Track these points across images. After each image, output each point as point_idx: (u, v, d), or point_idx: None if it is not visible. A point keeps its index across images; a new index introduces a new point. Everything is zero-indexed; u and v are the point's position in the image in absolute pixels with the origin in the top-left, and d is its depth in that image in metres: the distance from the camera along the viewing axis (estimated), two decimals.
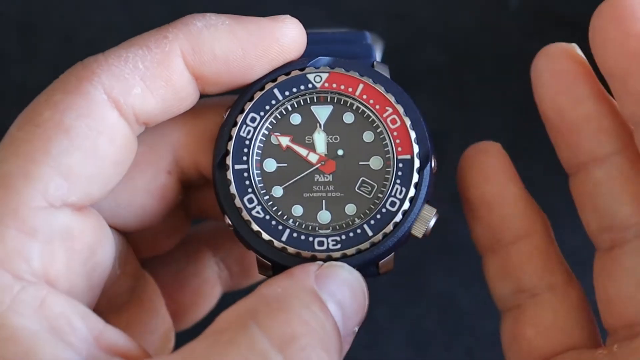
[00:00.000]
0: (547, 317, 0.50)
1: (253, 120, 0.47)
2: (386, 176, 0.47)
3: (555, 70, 0.49)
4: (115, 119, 0.44)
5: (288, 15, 0.47)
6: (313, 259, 0.46)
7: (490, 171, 0.51)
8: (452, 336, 0.59)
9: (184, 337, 0.51)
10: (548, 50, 0.49)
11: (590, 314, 0.51)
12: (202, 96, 0.48)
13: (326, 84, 0.47)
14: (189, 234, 0.54)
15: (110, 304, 0.48)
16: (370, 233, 0.46)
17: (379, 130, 0.47)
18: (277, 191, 0.47)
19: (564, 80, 0.49)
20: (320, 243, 0.46)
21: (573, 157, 0.49)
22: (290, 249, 0.46)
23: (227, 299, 0.55)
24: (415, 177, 0.46)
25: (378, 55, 0.52)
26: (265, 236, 0.46)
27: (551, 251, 0.51)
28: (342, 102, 0.47)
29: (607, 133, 0.48)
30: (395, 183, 0.46)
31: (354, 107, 0.47)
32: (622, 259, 0.48)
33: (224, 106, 0.48)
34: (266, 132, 0.47)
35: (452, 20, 0.60)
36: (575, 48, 0.49)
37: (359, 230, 0.46)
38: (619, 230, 0.48)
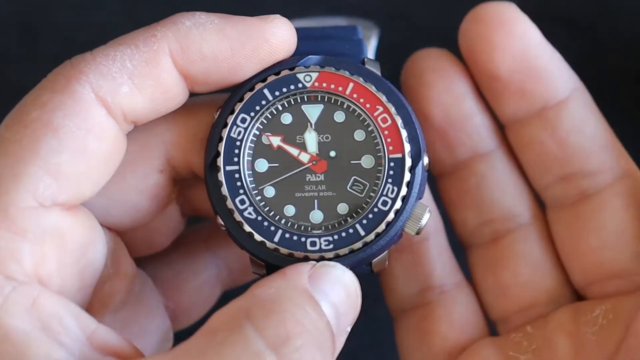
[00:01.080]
0: (458, 311, 0.53)
1: (243, 120, 0.47)
2: (378, 175, 0.47)
3: (437, 69, 0.52)
4: (103, 118, 0.44)
5: (278, 15, 0.47)
6: (306, 259, 0.46)
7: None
8: None
9: (183, 337, 0.51)
10: (424, 52, 0.53)
11: (482, 310, 0.54)
12: (194, 94, 0.48)
13: (316, 84, 0.47)
14: (188, 234, 0.54)
15: (104, 303, 0.48)
16: (362, 233, 0.46)
17: (370, 128, 0.47)
18: (269, 191, 0.47)
19: (447, 78, 0.52)
20: (313, 243, 0.46)
21: (450, 156, 0.53)
22: (283, 250, 0.46)
23: (227, 298, 0.55)
24: (407, 176, 0.46)
25: (372, 47, 0.52)
26: (258, 237, 0.46)
27: (450, 250, 0.54)
28: (332, 101, 0.47)
29: (488, 129, 0.53)
30: (387, 182, 0.46)
31: (345, 106, 0.47)
32: (513, 246, 0.52)
33: (215, 105, 0.48)
34: (257, 133, 0.47)
35: (452, 20, 0.60)
36: (447, 52, 0.53)
37: (351, 230, 0.46)
38: (502, 221, 0.52)
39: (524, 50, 0.51)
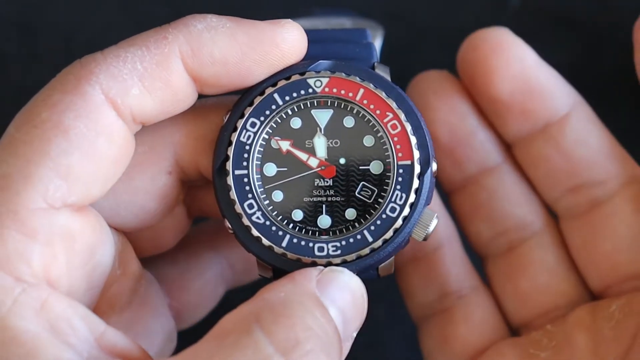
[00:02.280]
0: (477, 313, 0.54)
1: (253, 125, 0.47)
2: (386, 181, 0.47)
3: (439, 91, 0.54)
4: (113, 119, 0.44)
5: (289, 20, 0.47)
6: (313, 264, 0.46)
7: None
8: None
9: (186, 336, 0.51)
10: (425, 75, 0.55)
11: (501, 312, 0.55)
12: (203, 96, 0.48)
13: (326, 89, 0.47)
14: (192, 234, 0.54)
15: (111, 303, 0.48)
16: (370, 239, 0.46)
17: (379, 134, 0.47)
18: (278, 196, 0.47)
19: (449, 99, 0.54)
20: (321, 249, 0.46)
21: (459, 172, 0.55)
22: (290, 255, 0.46)
23: (231, 298, 0.55)
24: (416, 183, 0.46)
25: (377, 47, 0.52)
26: (266, 242, 0.46)
27: (465, 256, 0.56)
28: (342, 106, 0.47)
29: (493, 144, 0.54)
30: (395, 189, 0.46)
31: (355, 111, 0.47)
32: (529, 254, 0.54)
33: (225, 107, 0.48)
34: (266, 137, 0.47)
35: (452, 20, 0.60)
36: (447, 73, 0.55)
37: (359, 236, 0.46)
38: (516, 231, 0.54)
39: (522, 72, 0.53)
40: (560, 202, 0.54)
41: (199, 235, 0.55)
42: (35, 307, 0.41)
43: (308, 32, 0.47)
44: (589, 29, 0.64)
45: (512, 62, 0.52)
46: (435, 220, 0.47)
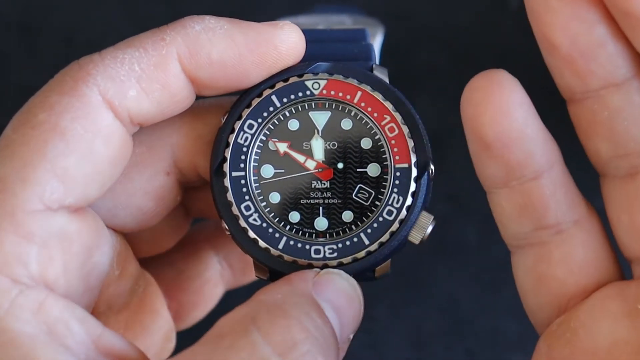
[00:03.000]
0: (578, 253, 0.48)
1: (250, 127, 0.47)
2: (383, 184, 0.47)
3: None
4: (110, 121, 0.44)
5: (288, 22, 0.47)
6: (310, 267, 0.46)
7: (507, 105, 0.47)
8: (452, 336, 0.59)
9: (184, 337, 0.51)
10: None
11: (612, 247, 0.49)
12: (201, 97, 0.48)
13: (324, 91, 0.47)
14: (190, 234, 0.55)
15: (109, 304, 0.48)
16: (366, 242, 0.46)
17: (377, 137, 0.47)
18: (275, 197, 0.47)
19: (576, 4, 0.47)
20: (317, 251, 0.46)
21: (580, 85, 0.48)
22: (287, 257, 0.46)
23: (228, 298, 0.55)
24: (413, 186, 0.46)
25: (377, 45, 0.52)
26: (262, 244, 0.46)
27: (570, 184, 0.49)
28: (340, 108, 0.47)
29: (623, 57, 0.47)
30: (392, 192, 0.46)
31: (352, 113, 0.47)
32: None
33: (223, 108, 0.48)
34: (264, 138, 0.47)
35: (452, 20, 0.60)
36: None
37: (355, 239, 0.46)
38: (639, 156, 0.47)
39: None
40: (610, 164, 0.47)
41: (198, 236, 0.55)
42: (32, 309, 0.41)
43: (306, 32, 0.47)
44: None
45: None
46: (432, 224, 0.47)
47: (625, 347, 0.46)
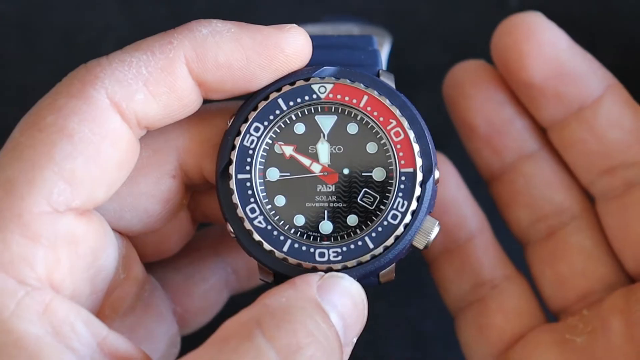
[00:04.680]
0: (511, 302, 0.55)
1: (257, 129, 0.47)
2: (389, 188, 0.47)
3: (476, 81, 0.55)
4: (117, 124, 0.44)
5: (294, 25, 0.47)
6: (314, 270, 0.46)
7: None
8: (452, 336, 0.59)
9: (189, 341, 0.51)
10: (462, 65, 0.55)
11: (536, 299, 0.56)
12: (207, 101, 0.48)
13: (331, 95, 0.47)
14: (196, 239, 0.54)
15: (114, 307, 0.48)
16: (371, 245, 0.46)
17: (382, 141, 0.47)
18: (280, 200, 0.47)
19: (486, 89, 0.55)
20: (322, 254, 0.46)
21: (497, 161, 0.55)
22: (292, 260, 0.46)
23: (233, 301, 0.55)
24: (418, 191, 0.46)
25: (385, 54, 0.52)
26: (267, 246, 0.46)
27: (498, 246, 0.56)
28: (346, 113, 0.47)
29: (530, 131, 0.55)
30: (397, 196, 0.46)
31: (358, 118, 0.47)
32: (568, 238, 0.54)
33: (228, 111, 0.48)
34: (270, 142, 0.47)
35: (452, 20, 0.60)
36: (484, 63, 0.55)
37: (360, 243, 0.46)
38: (554, 216, 0.54)
39: (554, 55, 0.53)
40: (596, 184, 0.54)
41: (203, 241, 0.55)
42: (38, 310, 0.41)
43: (314, 37, 0.47)
44: (588, 29, 0.64)
45: (545, 46, 0.53)
46: (436, 229, 0.47)
47: None
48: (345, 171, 0.47)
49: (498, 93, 0.55)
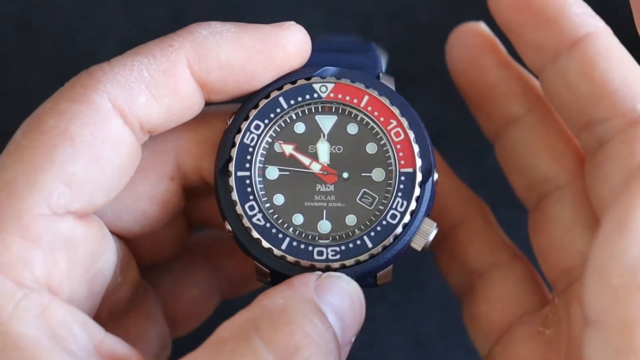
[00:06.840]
0: (496, 291, 0.53)
1: (257, 127, 0.47)
2: (388, 188, 0.47)
3: (464, 45, 0.54)
4: (120, 128, 0.44)
5: (293, 22, 0.47)
6: (312, 268, 0.46)
7: None
8: (452, 336, 0.60)
9: (180, 344, 0.51)
10: (458, 29, 0.54)
11: (539, 281, 0.53)
12: (209, 104, 0.48)
13: (331, 94, 0.47)
14: (190, 243, 0.54)
15: (110, 311, 0.48)
16: (369, 245, 0.46)
17: (382, 142, 0.47)
18: (279, 199, 0.47)
19: (472, 52, 0.53)
20: (320, 253, 0.46)
21: (491, 125, 0.54)
22: (290, 258, 0.46)
23: (230, 302, 0.55)
24: (417, 191, 0.46)
25: (383, 67, 0.52)
26: (265, 244, 0.46)
27: (491, 232, 0.54)
28: (346, 113, 0.47)
29: (515, 95, 0.53)
30: (396, 196, 0.46)
31: (358, 118, 0.47)
32: (548, 209, 0.51)
33: (227, 113, 0.48)
34: (270, 140, 0.47)
35: (452, 20, 0.60)
36: (481, 25, 0.54)
37: (358, 242, 0.46)
38: (540, 184, 0.52)
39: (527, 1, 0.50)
40: (580, 139, 0.50)
41: (196, 246, 0.55)
42: (36, 312, 0.41)
43: (314, 42, 0.48)
44: None
45: None
46: (434, 231, 0.47)
47: None
48: (345, 171, 0.47)
49: (485, 56, 0.53)
